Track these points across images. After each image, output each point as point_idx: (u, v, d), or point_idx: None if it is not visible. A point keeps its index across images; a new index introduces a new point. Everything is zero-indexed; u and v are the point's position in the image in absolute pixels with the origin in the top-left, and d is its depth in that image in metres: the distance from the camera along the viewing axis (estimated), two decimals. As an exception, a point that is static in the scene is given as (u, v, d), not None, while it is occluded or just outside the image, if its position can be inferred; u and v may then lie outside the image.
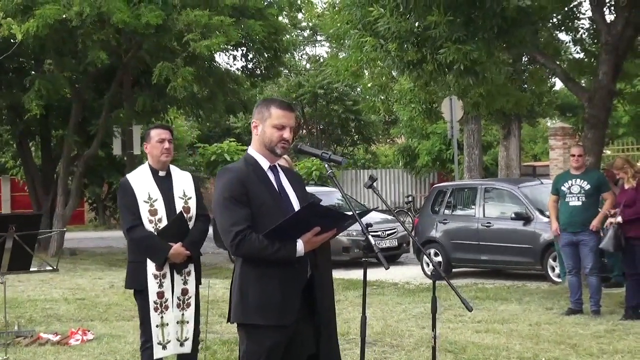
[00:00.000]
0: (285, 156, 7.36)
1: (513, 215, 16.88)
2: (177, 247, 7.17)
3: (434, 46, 12.49)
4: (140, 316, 7.42)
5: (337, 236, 17.83)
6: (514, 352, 9.95)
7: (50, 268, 11.17)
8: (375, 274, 18.36)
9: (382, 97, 17.75)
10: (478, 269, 18.17)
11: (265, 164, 5.36)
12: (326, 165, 5.43)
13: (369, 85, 18.38)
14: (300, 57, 52.60)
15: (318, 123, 49.53)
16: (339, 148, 50.94)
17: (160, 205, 7.28)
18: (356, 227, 16.77)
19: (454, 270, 18.21)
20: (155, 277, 7.21)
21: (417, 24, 12.66)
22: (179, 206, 7.32)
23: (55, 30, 20.02)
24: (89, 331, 11.19)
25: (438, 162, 38.44)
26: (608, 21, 15.36)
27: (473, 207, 17.96)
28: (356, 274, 18.08)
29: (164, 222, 7.24)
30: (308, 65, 52.66)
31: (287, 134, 5.32)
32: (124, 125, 24.53)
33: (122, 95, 24.65)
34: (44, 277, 18.94)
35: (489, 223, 17.32)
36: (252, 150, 5.42)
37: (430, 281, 16.94)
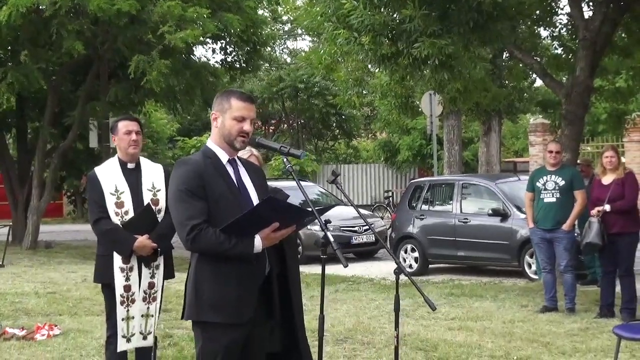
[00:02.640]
0: (255, 151, 7.23)
1: (490, 212, 16.78)
2: (142, 240, 7.06)
3: (409, 40, 12.35)
4: (107, 310, 7.39)
5: (314, 231, 17.84)
6: (486, 350, 9.84)
7: None
8: (351, 269, 18.22)
9: (357, 91, 17.52)
10: (455, 265, 18.05)
11: (224, 157, 5.21)
12: (285, 160, 5.28)
13: (344, 79, 18.17)
14: (281, 51, 52.49)
15: (299, 117, 49.36)
16: (320, 142, 50.82)
17: (127, 198, 7.19)
18: (333, 222, 16.67)
19: (430, 266, 18.08)
20: (122, 270, 7.14)
21: (391, 17, 12.52)
22: (147, 199, 7.24)
23: (30, 21, 19.79)
24: (55, 326, 11.03)
25: (419, 158, 38.35)
26: (586, 17, 15.27)
27: (450, 202, 17.86)
28: (333, 269, 17.84)
29: (131, 215, 7.15)
30: (289, 59, 52.49)
31: (247, 126, 5.18)
32: (100, 117, 24.33)
33: (98, 88, 24.42)
34: (16, 270, 18.79)
35: (466, 219, 17.21)
36: (211, 143, 5.27)
37: (407, 278, 17.02)
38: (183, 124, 49.69)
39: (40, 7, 19.53)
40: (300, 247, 20.24)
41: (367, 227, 20.78)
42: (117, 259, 7.11)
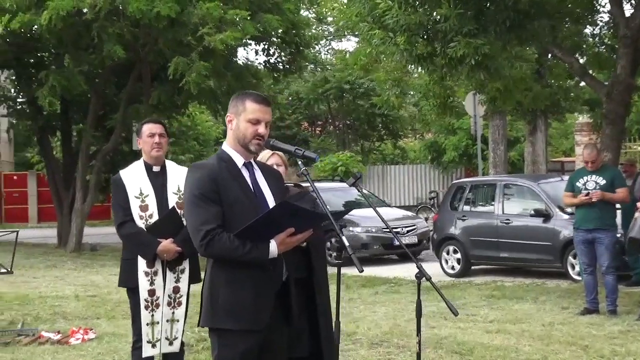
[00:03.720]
0: (280, 153, 7.12)
1: (532, 212, 16.58)
2: (166, 244, 6.99)
3: (445, 40, 12.22)
4: (132, 314, 7.31)
5: (355, 232, 17.77)
6: (523, 353, 9.69)
7: (5, 271, 10.92)
8: (393, 271, 18.22)
9: (396, 92, 17.37)
10: (497, 266, 17.85)
11: (239, 160, 5.11)
12: (300, 162, 5.18)
13: (383, 79, 18.03)
14: (326, 52, 52.37)
15: (344, 118, 49.26)
16: (366, 143, 50.68)
17: (151, 201, 7.14)
18: (376, 223, 16.64)
19: (473, 267, 17.90)
20: (147, 274, 7.08)
21: (427, 17, 12.39)
22: (172, 202, 7.17)
23: (71, 24, 19.90)
24: (91, 330, 11.04)
25: (465, 158, 38.10)
26: (627, 14, 15.02)
27: (492, 203, 17.66)
28: (375, 271, 17.86)
29: (155, 218, 7.09)
30: (334, 60, 52.36)
31: (262, 129, 5.07)
32: (142, 119, 24.35)
33: (141, 90, 24.51)
34: (59, 274, 18.92)
35: (508, 220, 17.01)
36: (226, 146, 5.18)
37: (450, 279, 16.94)
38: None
39: (82, 11, 19.60)
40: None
41: (410, 227, 20.68)
42: (142, 263, 7.05)
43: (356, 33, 15.35)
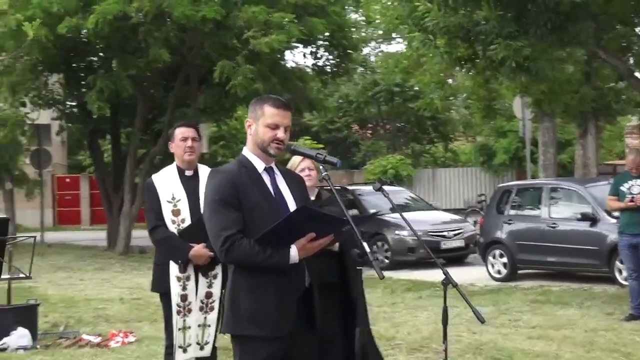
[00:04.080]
0: (311, 161, 7.05)
1: (579, 216, 16.36)
2: (198, 248, 6.94)
3: (485, 42, 12.11)
4: (165, 319, 7.29)
5: (402, 236, 17.66)
6: (563, 360, 9.56)
7: (23, 275, 11.00)
8: (440, 275, 17.94)
9: (440, 94, 17.20)
10: (544, 270, 17.65)
11: (260, 165, 5.05)
12: (321, 167, 5.12)
13: (427, 82, 17.89)
14: (376, 55, 52.18)
15: (394, 121, 49.13)
16: (416, 146, 50.51)
17: (184, 206, 7.10)
18: (423, 226, 16.58)
19: (520, 272, 17.72)
20: (179, 279, 7.03)
21: (467, 19, 12.28)
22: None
23: (118, 28, 20.04)
24: (131, 333, 11.08)
25: (515, 161, 37.82)
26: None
27: (539, 207, 17.47)
28: (421, 274, 17.79)
29: (188, 223, 7.05)
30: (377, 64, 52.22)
31: (281, 133, 4.99)
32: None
33: (188, 93, 24.61)
34: (106, 276, 19.04)
35: (555, 224, 16.81)
36: (247, 151, 5.11)
37: (496, 283, 16.78)
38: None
39: (128, 15, 19.73)
40: (389, 253, 20.14)
41: (457, 231, 20.56)
42: (174, 268, 7.01)
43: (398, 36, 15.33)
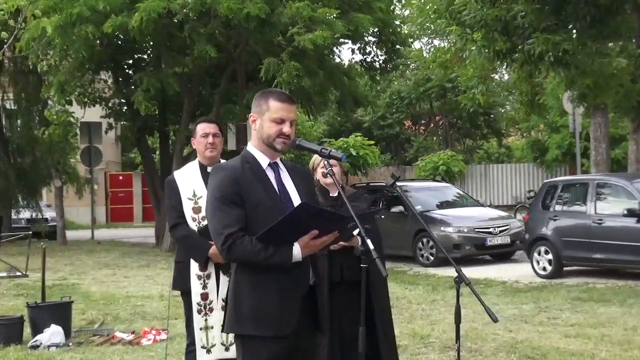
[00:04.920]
0: (334, 162, 6.95)
1: (625, 212, 16.07)
2: None
3: (523, 36, 11.92)
4: (186, 318, 7.20)
5: (447, 232, 17.55)
6: (598, 359, 9.37)
7: (20, 274, 11.02)
8: (485, 271, 17.97)
9: (482, 89, 16.92)
10: (590, 267, 17.37)
11: (264, 161, 4.95)
12: (326, 162, 5.04)
13: (470, 76, 17.65)
14: (428, 50, 51.81)
15: (447, 117, 48.82)
16: (469, 142, 50.14)
17: (205, 203, 7.03)
18: (469, 223, 16.49)
19: (565, 268, 17.47)
20: (199, 277, 6.95)
21: (504, 12, 12.09)
22: None
23: (163, 25, 20.10)
24: (163, 330, 11.06)
25: (568, 156, 37.35)
26: None
27: (585, 203, 17.18)
28: (466, 271, 17.39)
29: None
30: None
31: (287, 128, 4.90)
32: (237, 120, 24.52)
33: (235, 90, 24.65)
34: (150, 273, 19.10)
35: (601, 220, 16.53)
36: (251, 147, 5.02)
37: (541, 280, 16.56)
38: (334, 125, 49.71)
39: (173, 12, 19.78)
40: (434, 249, 19.99)
41: (503, 228, 20.35)
42: (194, 266, 6.93)
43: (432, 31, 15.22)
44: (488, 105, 41.24)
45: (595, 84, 14.60)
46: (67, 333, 10.75)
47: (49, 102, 27.43)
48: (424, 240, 20.20)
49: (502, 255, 20.66)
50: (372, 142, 39.72)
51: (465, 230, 19.98)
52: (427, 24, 15.14)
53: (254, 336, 4.81)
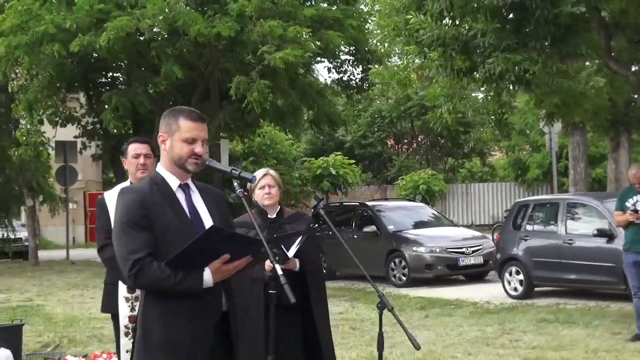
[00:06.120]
0: (272, 171, 6.87)
1: (595, 232, 15.91)
2: None
3: (483, 55, 11.77)
4: (116, 341, 7.06)
5: (419, 253, 17.35)
6: (554, 383, 9.21)
7: None
8: (457, 292, 17.78)
9: (449, 107, 16.67)
10: (561, 288, 17.20)
11: (174, 182, 4.74)
12: (235, 184, 4.84)
13: (437, 95, 17.44)
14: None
15: (428, 136, 48.73)
16: (451, 160, 50.06)
17: None
18: (441, 243, 16.35)
19: (536, 289, 17.28)
20: (127, 299, 6.80)
21: (462, 31, 11.96)
22: None
23: (132, 44, 19.96)
24: (115, 354, 10.84)
25: (549, 175, 37.30)
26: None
27: (555, 223, 17.01)
28: (437, 292, 17.46)
29: None
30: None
31: (199, 148, 4.70)
32: (211, 139, 24.36)
33: (207, 110, 24.51)
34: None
35: (571, 240, 16.36)
36: (161, 168, 4.81)
37: (512, 300, 16.37)
38: (316, 144, 49.58)
39: (142, 31, 19.66)
40: (406, 270, 19.81)
41: (476, 248, 20.19)
42: (122, 288, 6.78)
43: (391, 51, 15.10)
44: (467, 124, 41.39)
45: (563, 102, 14.46)
46: (18, 357, 10.51)
47: (21, 121, 27.21)
48: (396, 260, 20.02)
49: (475, 275, 20.47)
50: (353, 161, 39.59)
51: (438, 250, 19.80)
52: (386, 42, 14.93)
53: None
